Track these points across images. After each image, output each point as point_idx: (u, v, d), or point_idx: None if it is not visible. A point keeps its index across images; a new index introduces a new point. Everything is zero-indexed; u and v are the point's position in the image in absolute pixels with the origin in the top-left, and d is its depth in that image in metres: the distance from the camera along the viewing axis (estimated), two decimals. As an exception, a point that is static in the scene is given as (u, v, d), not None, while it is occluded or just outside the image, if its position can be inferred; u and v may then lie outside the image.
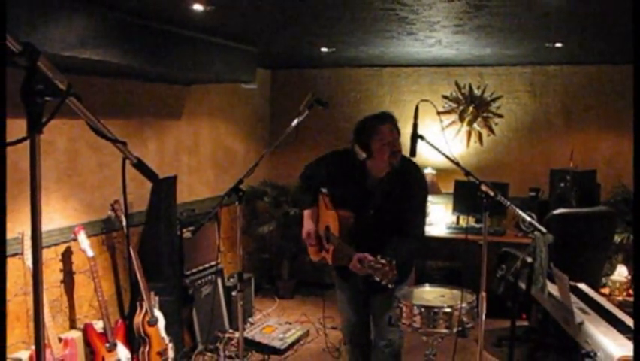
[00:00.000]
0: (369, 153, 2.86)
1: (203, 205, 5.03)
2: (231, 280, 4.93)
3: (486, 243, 2.64)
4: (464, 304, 2.67)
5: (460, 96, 5.83)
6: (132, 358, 3.63)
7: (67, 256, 3.70)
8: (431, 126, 5.11)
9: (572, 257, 4.13)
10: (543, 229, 2.88)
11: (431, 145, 2.75)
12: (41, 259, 1.25)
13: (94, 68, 3.53)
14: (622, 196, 5.13)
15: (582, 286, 4.03)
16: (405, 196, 2.92)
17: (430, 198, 4.93)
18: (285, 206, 5.71)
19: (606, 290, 5.01)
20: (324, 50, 4.76)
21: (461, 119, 5.83)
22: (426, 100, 2.93)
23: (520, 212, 2.70)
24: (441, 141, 2.86)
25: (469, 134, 5.84)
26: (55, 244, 3.63)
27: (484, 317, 2.64)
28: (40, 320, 1.26)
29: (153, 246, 4.12)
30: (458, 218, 5.70)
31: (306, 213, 3.26)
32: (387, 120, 2.90)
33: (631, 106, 5.27)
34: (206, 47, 4.03)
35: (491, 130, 5.79)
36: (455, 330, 2.67)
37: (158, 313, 3.84)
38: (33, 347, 3.13)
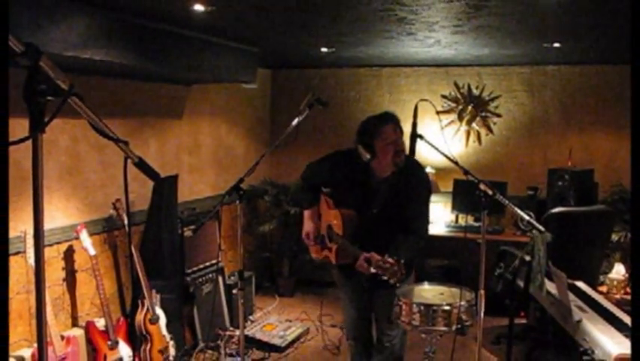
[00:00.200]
0: (373, 154, 2.87)
1: (204, 204, 5.03)
2: (232, 278, 4.94)
3: (485, 241, 2.64)
4: (463, 302, 2.67)
5: (458, 96, 5.84)
6: (134, 355, 3.63)
7: (69, 255, 3.70)
8: (430, 126, 5.14)
9: (570, 255, 4.13)
10: (541, 228, 2.88)
11: (430, 144, 2.76)
12: (43, 258, 1.25)
13: (96, 67, 3.53)
14: (619, 195, 5.13)
15: (580, 284, 4.02)
16: (409, 195, 2.93)
17: (430, 197, 4.95)
18: (285, 205, 5.71)
19: (604, 288, 5.01)
20: (324, 50, 4.76)
21: (460, 118, 5.83)
22: (425, 100, 2.94)
23: (519, 211, 2.71)
24: (440, 141, 2.87)
25: (468, 133, 5.85)
26: (58, 243, 3.63)
27: (482, 314, 2.66)
28: (42, 317, 1.26)
29: (155, 244, 4.12)
30: (457, 217, 5.71)
31: (307, 213, 3.27)
32: (390, 120, 2.91)
33: (628, 106, 5.28)
34: (207, 47, 4.03)
35: (490, 129, 5.81)
36: (454, 328, 2.67)
37: (159, 311, 3.85)
38: (35, 345, 3.16)
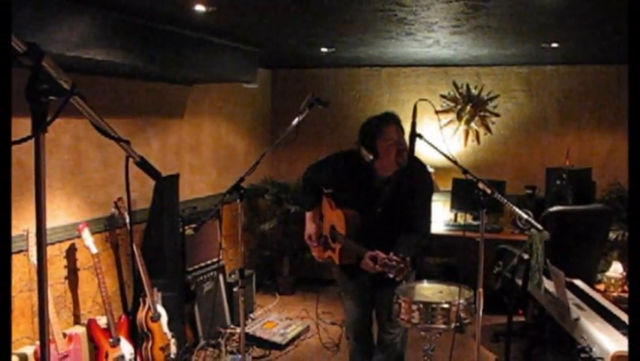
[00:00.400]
0: (375, 154, 2.88)
1: (205, 203, 5.03)
2: (233, 276, 4.96)
3: (483, 240, 2.64)
4: (462, 300, 2.67)
5: (457, 96, 5.85)
6: (135, 353, 3.64)
7: (71, 253, 3.71)
8: (429, 125, 5.16)
9: (567, 254, 4.14)
10: (539, 226, 2.88)
11: (429, 144, 2.75)
12: (46, 256, 1.26)
13: (97, 67, 3.54)
14: (617, 194, 5.14)
15: (578, 282, 4.03)
16: (412, 194, 2.94)
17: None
18: (285, 204, 5.73)
19: (601, 286, 5.02)
20: (324, 50, 4.77)
21: (459, 118, 5.85)
22: (424, 99, 2.92)
23: (517, 209, 2.71)
24: (439, 140, 2.87)
25: (467, 133, 5.86)
26: (60, 241, 3.63)
27: (481, 312, 2.66)
28: (44, 315, 1.27)
29: (156, 243, 4.12)
30: (456, 215, 5.72)
31: (308, 215, 3.27)
32: (391, 120, 2.92)
33: (626, 105, 5.32)
34: (208, 47, 4.04)
35: (488, 129, 5.82)
36: (453, 326, 2.66)
37: (160, 309, 3.86)
38: (38, 343, 3.16)
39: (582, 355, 3.04)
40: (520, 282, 3.94)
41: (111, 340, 3.52)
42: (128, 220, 3.87)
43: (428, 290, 2.92)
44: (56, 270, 3.62)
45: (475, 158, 5.82)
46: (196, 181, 5.11)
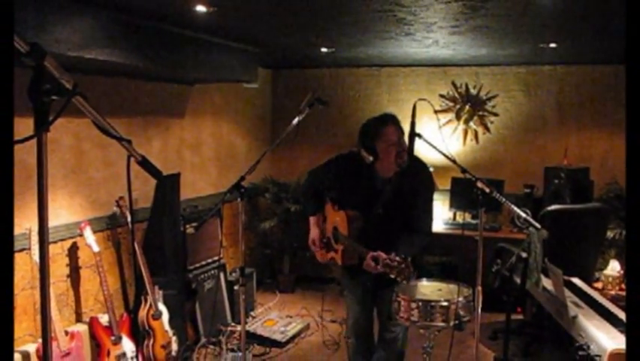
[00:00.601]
0: (375, 156, 2.87)
1: (206, 202, 5.05)
2: (233, 274, 4.98)
3: (482, 238, 2.67)
4: (461, 298, 2.67)
5: (456, 95, 5.87)
6: (137, 351, 3.64)
7: (73, 251, 3.72)
8: (428, 125, 5.18)
9: (565, 252, 4.15)
10: (538, 225, 2.89)
11: (428, 143, 2.77)
12: (48, 254, 1.26)
13: (99, 67, 3.55)
14: (615, 193, 5.15)
15: (576, 280, 4.06)
16: (413, 194, 2.93)
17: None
18: (285, 202, 5.73)
19: (599, 285, 5.03)
20: (324, 50, 4.78)
21: (458, 117, 5.86)
22: (423, 99, 2.94)
23: (516, 208, 2.72)
24: (438, 139, 2.86)
25: (466, 132, 5.88)
26: (62, 240, 3.64)
27: (480, 310, 2.68)
28: (47, 313, 1.26)
29: (157, 241, 4.12)
30: (455, 214, 5.74)
31: (312, 219, 3.27)
32: (390, 121, 2.91)
33: (623, 105, 5.34)
34: (209, 47, 4.05)
35: (487, 128, 5.84)
36: (452, 323, 2.67)
37: (162, 307, 3.87)
38: (40, 340, 3.17)
39: (580, 352, 3.06)
40: (518, 280, 3.95)
41: (113, 338, 3.53)
42: (129, 219, 3.87)
43: (427, 288, 2.93)
44: (58, 268, 3.63)
45: (473, 157, 5.84)
46: (197, 180, 5.12)
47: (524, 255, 3.73)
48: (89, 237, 3.58)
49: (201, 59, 3.99)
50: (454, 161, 2.78)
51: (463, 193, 5.45)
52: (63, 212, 3.69)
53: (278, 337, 4.55)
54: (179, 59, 3.78)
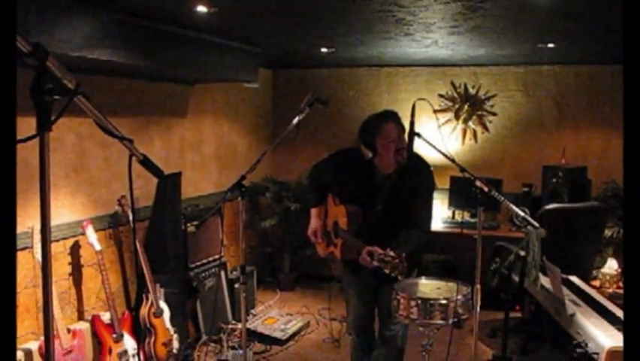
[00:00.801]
0: (374, 152, 2.89)
1: (207, 200, 5.06)
2: (234, 272, 4.98)
3: (480, 237, 2.69)
4: (459, 297, 2.68)
5: (455, 95, 5.88)
6: (138, 348, 3.66)
7: (75, 250, 3.73)
8: (428, 124, 5.20)
9: (563, 251, 4.15)
10: (536, 224, 2.91)
11: (428, 142, 2.79)
12: (50, 253, 1.26)
13: (101, 67, 3.56)
14: (612, 192, 5.16)
15: (573, 278, 4.07)
16: (412, 191, 2.94)
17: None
18: (286, 201, 5.74)
19: (597, 283, 5.05)
20: (324, 50, 4.78)
21: (456, 117, 5.88)
22: (422, 99, 2.95)
23: (514, 207, 2.74)
24: (437, 139, 2.87)
25: (464, 131, 5.89)
26: (64, 238, 3.66)
27: (478, 308, 2.70)
28: (49, 311, 1.27)
29: (159, 240, 4.13)
30: (454, 213, 5.76)
31: (313, 211, 3.28)
32: (391, 118, 2.91)
33: (620, 105, 5.35)
34: (210, 47, 4.06)
35: (485, 128, 5.85)
36: (451, 321, 2.68)
37: (163, 305, 3.88)
38: (42, 338, 3.13)
39: (578, 350, 3.07)
40: (516, 278, 3.96)
41: (114, 335, 3.55)
42: (131, 218, 3.89)
43: (426, 287, 2.94)
44: (60, 266, 3.64)
45: (472, 156, 5.85)
46: (198, 179, 5.13)
47: (523, 253, 3.73)
48: (91, 235, 3.59)
49: (202, 59, 4.00)
50: (453, 160, 2.79)
51: (462, 192, 5.46)
52: (65, 211, 3.70)
53: (278, 334, 4.56)
54: (180, 59, 3.78)
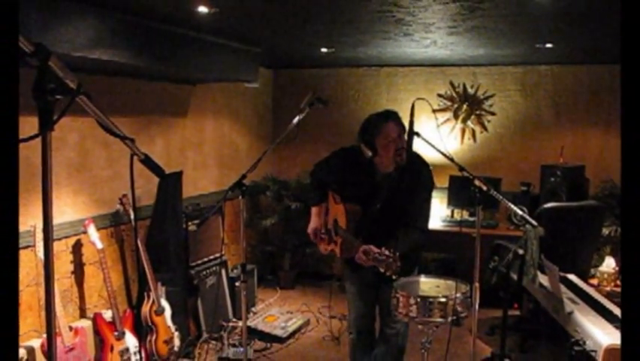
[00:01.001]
0: (374, 151, 2.90)
1: (208, 199, 5.06)
2: (235, 271, 4.99)
3: (479, 235, 2.71)
4: (458, 295, 2.68)
5: (454, 95, 5.90)
6: (140, 346, 3.67)
7: (77, 248, 3.74)
8: (427, 124, 5.21)
9: (561, 249, 4.18)
10: (534, 222, 2.94)
11: (427, 142, 2.80)
12: (52, 251, 1.27)
13: (103, 67, 3.57)
14: (610, 191, 5.18)
15: (572, 277, 4.10)
16: (411, 190, 2.95)
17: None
18: (286, 200, 5.76)
19: (595, 281, 5.07)
20: (324, 50, 4.79)
21: (455, 116, 5.90)
22: (422, 98, 2.96)
23: (512, 206, 2.76)
24: (436, 138, 2.90)
25: (463, 131, 5.91)
26: (66, 237, 3.67)
27: (477, 306, 2.73)
28: (51, 309, 1.28)
29: (160, 238, 4.14)
30: (452, 212, 5.77)
31: (314, 209, 3.30)
32: (391, 118, 2.92)
33: (618, 104, 5.38)
34: (211, 47, 4.07)
35: (484, 127, 5.87)
36: (450, 319, 2.69)
37: (164, 303, 3.90)
38: (44, 336, 3.22)
39: (576, 348, 3.09)
40: (515, 277, 3.97)
41: (116, 333, 3.56)
42: (132, 216, 3.89)
43: (426, 285, 2.94)
44: (63, 265, 3.66)
45: (471, 155, 5.87)
46: (199, 178, 5.13)
47: (521, 252, 3.72)
48: (93, 234, 3.60)
49: (203, 59, 4.01)
50: (451, 159, 2.81)
51: (461, 191, 5.48)
52: (67, 209, 3.71)
53: (279, 332, 4.58)
54: (181, 59, 3.79)
